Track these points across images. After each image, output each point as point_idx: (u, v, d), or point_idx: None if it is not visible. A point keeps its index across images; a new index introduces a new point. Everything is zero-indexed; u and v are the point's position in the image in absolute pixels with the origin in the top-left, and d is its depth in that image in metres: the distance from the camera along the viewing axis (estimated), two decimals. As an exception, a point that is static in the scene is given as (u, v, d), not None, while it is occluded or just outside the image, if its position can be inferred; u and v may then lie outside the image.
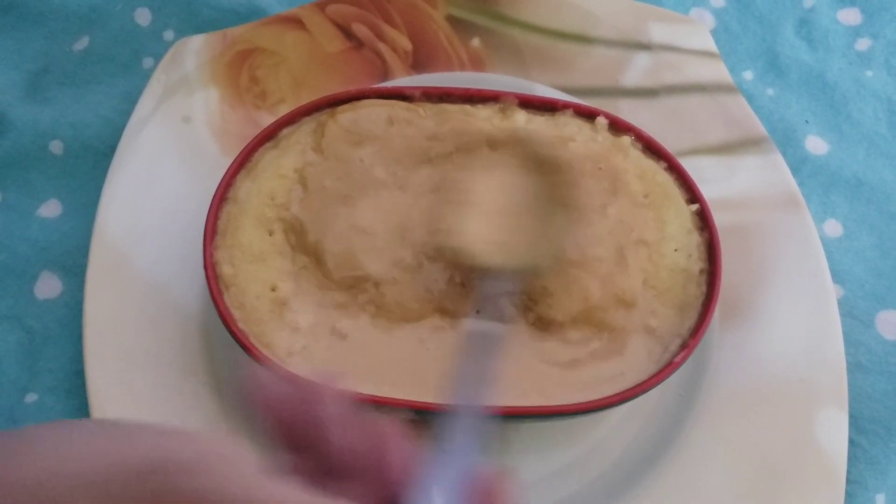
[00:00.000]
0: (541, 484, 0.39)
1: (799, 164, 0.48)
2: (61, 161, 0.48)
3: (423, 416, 0.36)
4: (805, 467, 0.39)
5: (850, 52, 0.52)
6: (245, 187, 0.40)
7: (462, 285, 0.39)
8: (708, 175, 0.44)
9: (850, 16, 0.53)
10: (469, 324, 0.38)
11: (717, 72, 0.48)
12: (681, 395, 0.41)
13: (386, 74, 0.49)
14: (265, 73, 0.48)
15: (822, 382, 0.40)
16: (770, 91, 0.50)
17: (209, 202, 0.39)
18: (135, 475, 0.20)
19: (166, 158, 0.45)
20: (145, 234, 0.43)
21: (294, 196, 0.40)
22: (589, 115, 0.42)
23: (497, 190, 0.39)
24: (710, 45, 0.49)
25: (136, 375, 0.40)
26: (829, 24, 0.52)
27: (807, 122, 0.49)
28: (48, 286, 0.45)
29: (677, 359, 0.37)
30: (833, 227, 0.47)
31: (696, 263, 0.39)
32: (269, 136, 0.42)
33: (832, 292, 0.42)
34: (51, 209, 0.47)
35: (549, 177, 0.39)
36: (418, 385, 0.37)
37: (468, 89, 0.42)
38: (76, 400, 0.42)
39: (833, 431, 0.39)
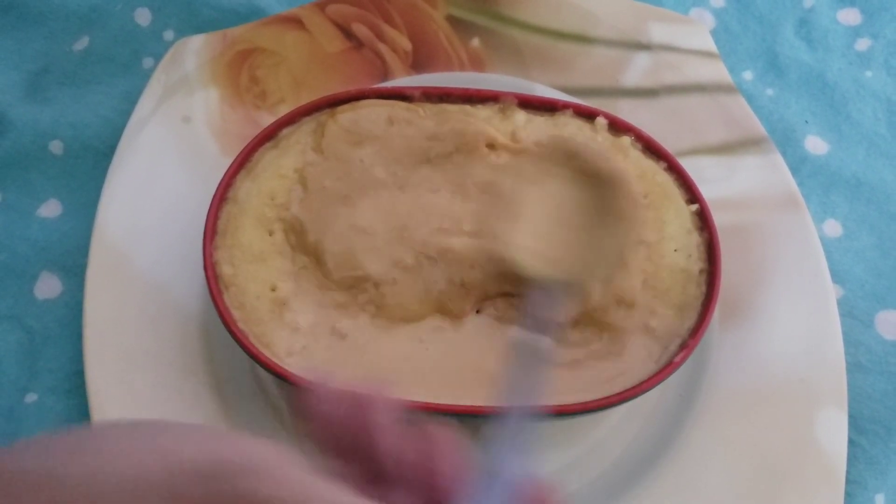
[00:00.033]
0: (541, 484, 0.39)
1: (799, 164, 0.48)
2: (61, 161, 0.48)
3: (454, 419, 0.36)
4: (805, 467, 0.39)
5: (850, 52, 0.52)
6: (245, 187, 0.40)
7: (462, 286, 0.39)
8: (708, 175, 0.44)
9: (850, 16, 0.53)
10: (516, 334, 0.38)
11: (717, 72, 0.48)
12: (681, 395, 0.41)
13: (386, 74, 0.49)
14: (265, 73, 0.48)
15: (822, 382, 0.40)
16: (770, 91, 0.51)
17: (209, 202, 0.39)
18: (196, 478, 0.21)
19: (166, 158, 0.45)
20: (145, 234, 0.43)
21: (294, 196, 0.40)
22: (589, 115, 0.42)
23: (549, 202, 0.39)
24: (709, 45, 0.49)
25: (136, 375, 0.40)
26: (828, 24, 0.52)
27: (806, 122, 0.49)
28: (48, 286, 0.45)
29: (677, 359, 0.37)
30: (833, 227, 0.47)
31: (696, 263, 0.39)
32: (269, 136, 0.42)
33: (832, 292, 0.42)
34: (51, 209, 0.47)
35: (601, 189, 0.39)
36: (418, 385, 0.37)
37: (468, 89, 0.42)
38: (76, 400, 0.42)
39: (833, 431, 0.39)
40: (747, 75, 0.51)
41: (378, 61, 0.49)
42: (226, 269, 0.38)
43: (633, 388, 0.37)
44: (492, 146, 0.41)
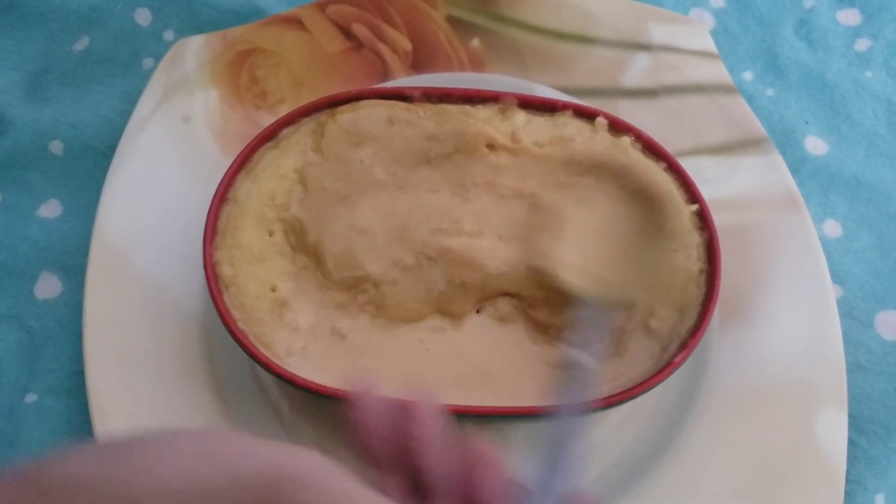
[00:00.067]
0: (541, 484, 0.39)
1: (798, 164, 0.48)
2: (61, 161, 0.48)
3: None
4: (805, 467, 0.39)
5: (850, 52, 0.52)
6: (245, 187, 0.40)
7: (462, 286, 0.39)
8: (707, 175, 0.44)
9: (850, 16, 0.53)
10: (562, 352, 0.38)
11: (717, 72, 0.48)
12: (681, 395, 0.41)
13: (386, 75, 0.49)
14: (265, 73, 0.48)
15: (822, 382, 0.40)
16: (770, 91, 0.51)
17: (209, 202, 0.39)
18: (252, 488, 0.22)
19: (166, 158, 0.45)
20: (145, 234, 0.43)
21: (294, 196, 0.40)
22: (589, 115, 0.42)
23: (593, 217, 0.39)
24: (709, 45, 0.49)
25: (136, 375, 0.40)
26: (828, 24, 0.52)
27: (806, 122, 0.49)
28: (48, 286, 0.45)
29: (677, 359, 0.37)
30: (832, 228, 0.47)
31: (696, 263, 0.39)
32: (269, 136, 0.42)
33: (832, 292, 0.42)
34: (51, 209, 0.47)
35: (647, 207, 0.39)
36: (417, 386, 0.37)
37: (468, 90, 0.42)
38: (76, 400, 0.42)
39: (833, 431, 0.39)
40: (747, 75, 0.51)
41: (378, 61, 0.49)
42: (226, 270, 0.38)
43: (633, 388, 0.37)
44: (492, 146, 0.41)
